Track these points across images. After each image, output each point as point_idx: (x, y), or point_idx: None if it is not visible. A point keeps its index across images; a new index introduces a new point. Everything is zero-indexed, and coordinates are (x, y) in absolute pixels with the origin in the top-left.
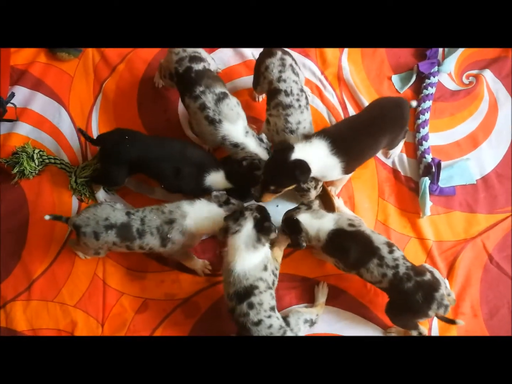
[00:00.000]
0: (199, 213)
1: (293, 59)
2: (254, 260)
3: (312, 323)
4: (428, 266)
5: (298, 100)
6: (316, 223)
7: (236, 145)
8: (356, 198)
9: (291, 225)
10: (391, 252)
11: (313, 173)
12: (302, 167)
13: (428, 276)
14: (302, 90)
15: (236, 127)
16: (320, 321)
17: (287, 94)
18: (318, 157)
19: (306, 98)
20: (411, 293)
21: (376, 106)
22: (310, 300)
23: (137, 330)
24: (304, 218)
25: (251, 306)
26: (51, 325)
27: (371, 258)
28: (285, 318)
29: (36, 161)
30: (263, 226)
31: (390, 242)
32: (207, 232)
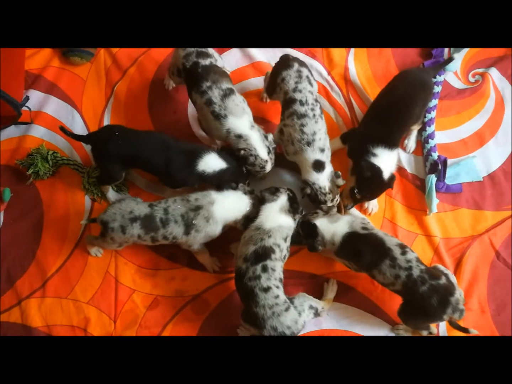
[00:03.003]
0: (226, 200)
1: (309, 70)
2: (282, 222)
3: (316, 312)
4: (442, 267)
5: (312, 109)
6: (332, 227)
7: (239, 136)
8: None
9: (308, 229)
10: (404, 253)
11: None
12: (393, 179)
13: (443, 280)
14: (316, 100)
15: (241, 121)
16: (328, 317)
17: (302, 104)
18: (394, 163)
19: (320, 108)
20: (426, 297)
21: (399, 83)
22: (317, 297)
23: (148, 326)
24: (321, 222)
25: (265, 269)
26: (65, 321)
27: (383, 259)
28: (290, 298)
29: (50, 162)
30: (294, 203)
31: (403, 244)
32: (230, 219)
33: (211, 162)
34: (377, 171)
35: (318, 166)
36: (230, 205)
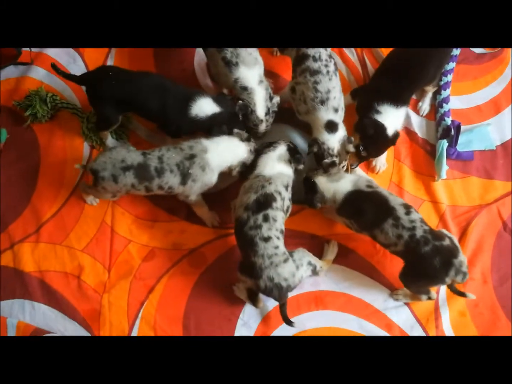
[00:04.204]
0: (220, 146)
1: None
2: (281, 169)
3: (314, 270)
4: (446, 232)
5: (326, 66)
6: (333, 186)
7: (245, 88)
8: (370, 160)
9: (307, 185)
10: (408, 213)
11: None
12: (397, 137)
13: (447, 242)
14: (330, 56)
15: (251, 72)
16: (326, 278)
17: (315, 60)
18: (400, 121)
19: (335, 64)
20: (429, 258)
21: None
22: (318, 257)
23: (142, 278)
24: (321, 180)
25: (266, 218)
26: (58, 267)
27: (386, 219)
28: (290, 252)
29: (49, 105)
30: (295, 154)
31: (407, 204)
32: (225, 165)
33: (205, 106)
34: (381, 128)
35: (331, 127)
36: (224, 151)
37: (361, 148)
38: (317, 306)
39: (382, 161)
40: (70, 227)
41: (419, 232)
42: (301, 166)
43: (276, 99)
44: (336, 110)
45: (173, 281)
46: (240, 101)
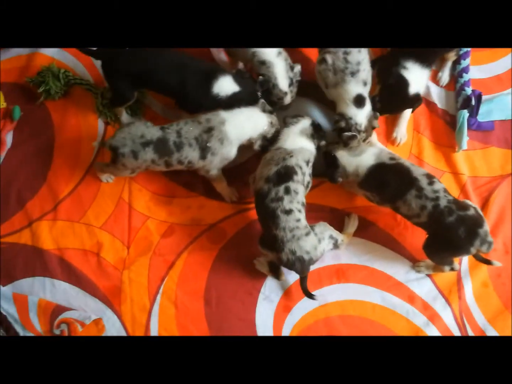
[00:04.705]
0: (238, 118)
1: None
2: (303, 144)
3: (336, 243)
4: (470, 202)
5: None
6: (354, 160)
7: (263, 63)
8: (390, 130)
9: (328, 160)
10: (431, 183)
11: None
12: (419, 99)
13: (472, 211)
14: None
15: None
16: (347, 252)
17: None
18: (423, 83)
19: None
20: (453, 228)
21: None
22: (338, 230)
23: (162, 254)
24: (342, 154)
25: (287, 190)
26: (77, 245)
27: (408, 189)
28: (311, 226)
29: (62, 81)
30: (318, 130)
31: (430, 174)
32: (245, 138)
33: (225, 85)
34: (403, 82)
35: (360, 101)
36: (243, 123)
37: (376, 99)
38: (339, 279)
39: (403, 132)
40: (88, 205)
41: (442, 202)
42: (323, 143)
43: (298, 68)
44: (365, 84)
45: (193, 257)
46: (260, 77)
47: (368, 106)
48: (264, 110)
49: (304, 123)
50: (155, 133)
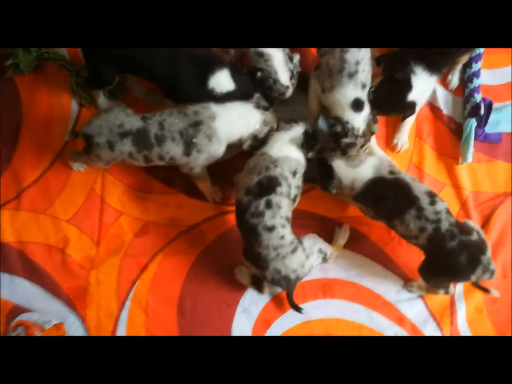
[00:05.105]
0: (231, 114)
1: None
2: (290, 153)
3: (325, 257)
4: (472, 224)
5: None
6: (352, 171)
7: (261, 55)
8: (390, 135)
9: (323, 169)
10: (432, 203)
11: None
12: (413, 109)
13: (475, 236)
14: None
15: None
16: (335, 265)
17: None
18: (427, 93)
19: None
20: (454, 254)
21: None
22: (327, 241)
23: (135, 255)
24: (338, 164)
25: (269, 204)
26: (41, 239)
27: (408, 209)
28: (299, 238)
29: (33, 54)
30: (310, 140)
31: (432, 192)
32: (235, 137)
33: (222, 81)
34: (407, 84)
35: (358, 105)
36: (235, 119)
37: (372, 89)
38: (325, 295)
39: (404, 139)
40: (55, 195)
41: (444, 225)
42: (311, 154)
43: (297, 58)
44: (364, 86)
45: (169, 260)
46: (258, 74)
47: (366, 110)
48: (258, 106)
49: (297, 131)
50: (135, 123)
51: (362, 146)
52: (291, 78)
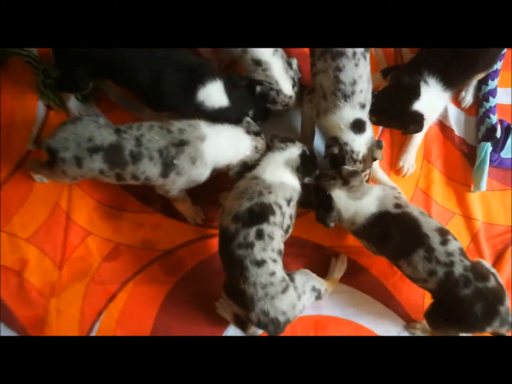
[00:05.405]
0: (222, 137)
1: None
2: (285, 178)
3: (319, 295)
4: (487, 264)
5: None
6: (354, 205)
7: (258, 63)
8: (395, 156)
9: (321, 198)
10: (444, 243)
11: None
12: (419, 123)
13: (492, 282)
14: None
15: None
16: (330, 301)
17: None
18: (438, 109)
19: None
20: (468, 303)
21: None
22: (322, 273)
23: (102, 281)
24: (339, 195)
25: (260, 235)
26: None
27: (415, 249)
28: (290, 274)
29: None
30: (307, 163)
31: (444, 229)
32: (223, 162)
33: (214, 95)
34: (415, 92)
35: (358, 126)
36: (225, 143)
37: (375, 93)
38: (317, 334)
39: (411, 162)
40: (14, 209)
41: (458, 269)
42: (307, 180)
43: (295, 62)
44: (363, 106)
45: (141, 289)
46: (258, 87)
47: (369, 132)
48: (248, 131)
49: (292, 152)
50: (108, 137)
51: (362, 171)
52: (293, 86)
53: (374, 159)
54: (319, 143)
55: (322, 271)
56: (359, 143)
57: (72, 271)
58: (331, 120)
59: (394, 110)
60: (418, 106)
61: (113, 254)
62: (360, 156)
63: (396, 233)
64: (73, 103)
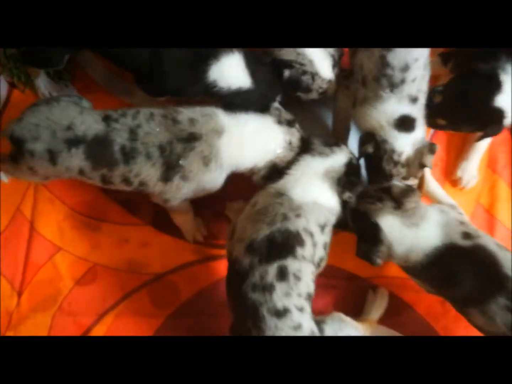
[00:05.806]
0: (246, 130)
1: None
2: (321, 196)
3: None
4: None
5: None
6: (410, 235)
7: None
8: (452, 163)
9: (364, 227)
10: None
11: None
12: (499, 122)
13: None
14: None
15: None
16: None
17: None
18: None
19: None
20: None
21: None
22: (355, 310)
23: (73, 312)
24: (390, 223)
25: (283, 275)
26: None
27: (494, 294)
28: (319, 323)
29: None
30: (351, 176)
31: None
32: (245, 165)
33: (230, 72)
34: (494, 82)
35: (405, 124)
36: (250, 139)
37: (438, 88)
38: None
39: (473, 172)
40: None
41: None
42: (347, 196)
43: None
44: (413, 100)
45: (123, 324)
46: (286, 72)
47: (419, 132)
48: (280, 121)
49: (337, 160)
50: (93, 125)
51: (404, 178)
52: (333, 66)
53: (422, 166)
54: (352, 142)
55: (356, 309)
56: (404, 142)
57: (35, 297)
58: (368, 114)
59: (470, 108)
60: (501, 100)
61: (88, 277)
62: (403, 158)
63: (467, 274)
64: (43, 80)
